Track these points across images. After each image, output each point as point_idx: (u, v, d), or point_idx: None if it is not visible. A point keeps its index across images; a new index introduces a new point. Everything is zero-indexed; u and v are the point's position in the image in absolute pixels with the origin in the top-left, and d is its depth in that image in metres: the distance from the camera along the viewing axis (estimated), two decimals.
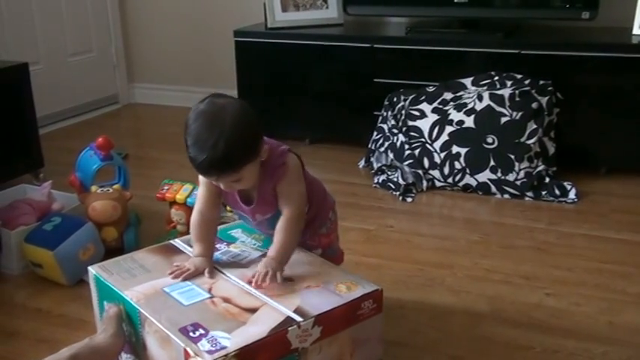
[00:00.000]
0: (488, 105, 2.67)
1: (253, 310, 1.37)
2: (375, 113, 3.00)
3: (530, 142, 2.63)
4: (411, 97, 2.84)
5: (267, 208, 1.56)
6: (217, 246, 1.63)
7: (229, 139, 1.35)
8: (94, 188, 2.24)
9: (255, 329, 1.30)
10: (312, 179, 1.67)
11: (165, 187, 2.28)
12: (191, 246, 1.62)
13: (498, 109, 2.66)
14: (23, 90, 2.74)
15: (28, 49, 3.44)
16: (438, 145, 2.71)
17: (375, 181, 2.81)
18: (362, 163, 3.02)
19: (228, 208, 2.01)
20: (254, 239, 1.69)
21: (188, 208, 2.15)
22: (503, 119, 2.65)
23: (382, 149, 2.86)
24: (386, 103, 2.93)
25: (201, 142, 1.36)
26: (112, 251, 2.07)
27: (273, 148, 1.51)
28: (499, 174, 2.64)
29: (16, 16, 3.40)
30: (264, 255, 1.58)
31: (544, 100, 2.68)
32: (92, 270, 1.57)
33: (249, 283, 1.46)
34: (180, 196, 2.22)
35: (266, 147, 1.47)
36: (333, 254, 1.73)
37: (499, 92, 2.69)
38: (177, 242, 1.69)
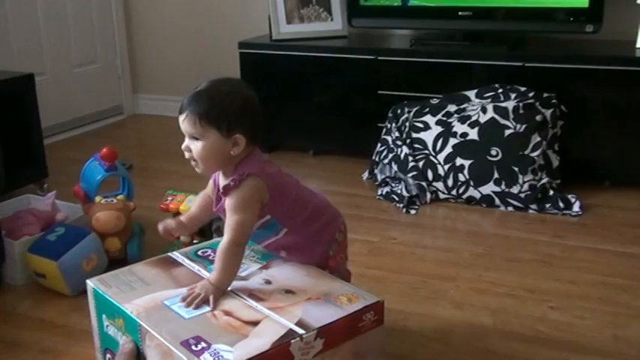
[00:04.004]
0: (492, 117, 2.67)
1: (255, 323, 1.36)
2: (379, 125, 3.01)
3: (534, 154, 2.63)
4: (415, 109, 2.84)
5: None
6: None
7: (216, 94, 1.47)
8: (98, 199, 2.24)
9: (258, 342, 1.30)
10: (307, 199, 1.63)
11: (169, 198, 2.27)
12: (190, 259, 1.65)
13: (502, 121, 2.66)
14: (29, 100, 2.75)
15: (34, 60, 3.46)
16: (441, 157, 2.71)
17: (379, 192, 2.81)
18: (366, 175, 3.02)
19: None
20: (253, 251, 1.68)
21: None
22: (507, 132, 2.65)
23: (386, 161, 2.86)
24: (390, 115, 2.93)
25: (200, 85, 1.50)
26: (116, 262, 2.07)
27: (246, 164, 1.50)
28: (503, 186, 2.63)
29: (22, 28, 3.42)
30: (264, 267, 1.58)
31: (548, 112, 2.68)
32: (91, 283, 1.56)
33: (250, 295, 1.46)
34: (184, 207, 2.21)
35: (240, 140, 1.47)
36: (340, 275, 1.67)
37: (503, 105, 2.69)
38: (175, 255, 1.69)
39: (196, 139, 1.47)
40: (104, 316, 1.52)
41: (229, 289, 1.50)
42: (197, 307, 1.42)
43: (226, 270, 1.49)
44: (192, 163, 1.51)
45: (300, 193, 1.62)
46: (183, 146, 1.51)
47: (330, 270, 1.65)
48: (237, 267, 1.52)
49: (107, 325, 1.51)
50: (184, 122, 1.48)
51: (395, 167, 2.80)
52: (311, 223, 1.62)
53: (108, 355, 1.54)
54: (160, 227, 1.65)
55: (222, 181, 1.55)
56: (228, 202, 1.50)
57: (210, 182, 1.64)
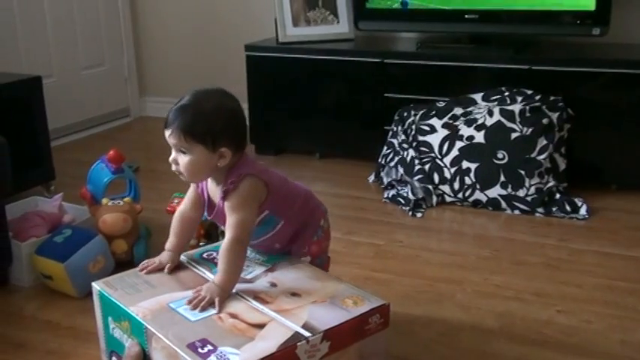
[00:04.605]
0: (499, 120, 2.67)
1: (261, 326, 1.37)
2: (385, 128, 3.00)
3: (540, 157, 2.62)
4: (421, 112, 2.84)
5: (224, 221, 1.57)
6: None
7: (200, 112, 1.48)
8: (104, 201, 2.25)
9: (264, 345, 1.30)
10: (296, 190, 1.69)
11: (176, 201, 2.28)
12: (195, 261, 1.65)
13: (509, 124, 2.65)
14: (36, 103, 2.75)
15: (42, 63, 3.47)
16: (448, 160, 2.71)
17: (385, 195, 2.81)
18: (372, 178, 3.01)
19: None
20: (258, 254, 1.68)
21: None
22: (514, 135, 2.64)
23: (392, 164, 2.86)
24: (396, 117, 2.93)
25: (184, 98, 1.52)
26: (122, 264, 2.08)
27: (239, 166, 1.54)
28: (509, 190, 2.63)
29: (30, 31, 3.43)
30: (269, 270, 1.58)
31: (555, 115, 2.67)
32: (96, 286, 1.56)
33: (255, 298, 1.46)
34: None
35: (226, 153, 1.50)
36: (321, 263, 1.73)
37: (509, 108, 2.69)
38: (181, 257, 1.68)
39: (183, 152, 1.50)
40: (110, 318, 1.52)
41: (235, 291, 1.50)
42: (203, 309, 1.43)
43: (230, 270, 1.50)
44: (179, 175, 1.54)
45: (290, 186, 1.67)
46: (170, 159, 1.54)
47: (311, 257, 1.69)
48: (241, 267, 1.53)
49: (113, 328, 1.52)
50: (170, 137, 1.51)
51: (401, 170, 2.80)
52: (302, 212, 1.68)
53: (114, 358, 1.54)
54: (145, 265, 1.63)
55: (213, 187, 1.60)
56: (227, 204, 1.52)
57: (191, 195, 1.67)
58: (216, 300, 1.45)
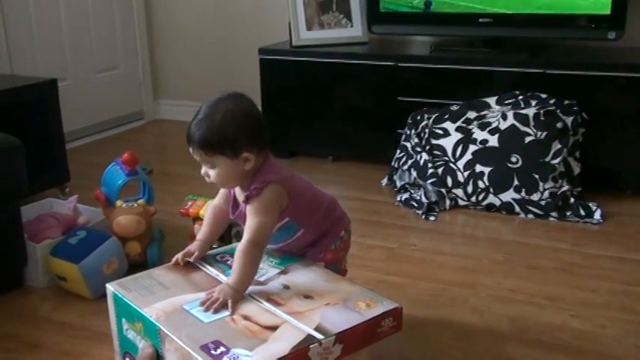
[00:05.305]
0: (513, 124, 2.66)
1: (274, 328, 1.37)
2: (399, 131, 3.00)
3: (554, 162, 2.61)
4: (434, 116, 2.83)
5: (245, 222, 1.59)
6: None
7: (212, 123, 1.50)
8: (118, 203, 2.26)
9: (277, 347, 1.30)
10: (320, 198, 1.70)
11: (189, 203, 2.29)
12: (209, 264, 1.66)
13: (523, 128, 2.64)
14: (51, 105, 2.78)
15: (57, 66, 3.49)
16: (461, 163, 2.70)
17: (398, 199, 2.80)
18: (385, 181, 3.01)
19: None
20: (271, 256, 1.69)
21: None
22: (528, 139, 2.63)
23: (405, 167, 2.86)
24: (409, 121, 2.93)
25: (197, 115, 1.54)
26: (136, 266, 2.09)
27: (264, 173, 1.56)
28: (523, 194, 2.62)
29: (45, 34, 3.46)
30: (282, 272, 1.59)
31: (569, 119, 2.66)
32: (110, 287, 1.57)
33: (268, 300, 1.47)
34: (203, 212, 2.22)
35: (249, 157, 1.52)
36: (334, 270, 1.71)
37: (523, 112, 2.68)
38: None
39: (210, 166, 1.55)
40: (124, 319, 1.53)
41: (248, 292, 1.50)
42: (216, 311, 1.43)
43: (244, 272, 1.51)
44: (215, 184, 1.60)
45: (314, 194, 1.69)
46: (202, 173, 1.59)
47: (325, 263, 1.70)
48: (255, 270, 1.54)
49: (127, 329, 1.52)
50: (194, 154, 1.56)
51: (414, 173, 2.79)
52: (324, 221, 1.69)
53: (127, 359, 1.55)
54: (179, 256, 1.66)
55: (239, 191, 1.62)
56: (249, 208, 1.55)
57: (222, 191, 1.71)
58: (229, 301, 1.45)
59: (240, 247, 1.53)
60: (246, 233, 1.54)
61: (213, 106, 1.54)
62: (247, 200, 1.55)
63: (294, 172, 1.66)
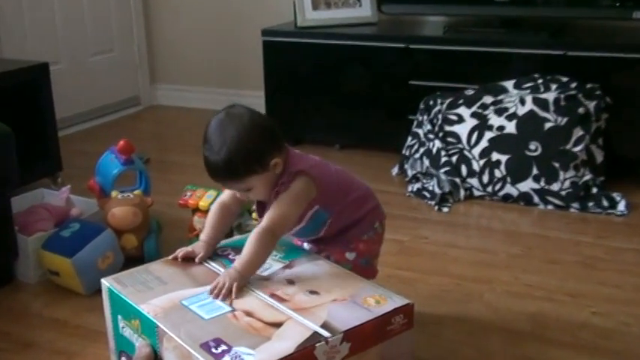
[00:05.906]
0: (532, 110, 2.65)
1: (278, 325, 1.37)
2: (410, 117, 3.00)
3: (576, 149, 2.60)
4: (448, 101, 2.83)
5: None
6: (237, 257, 1.63)
7: (231, 150, 1.50)
8: (114, 193, 2.26)
9: (281, 345, 1.30)
10: (352, 185, 1.75)
11: (188, 193, 2.29)
12: (210, 257, 1.66)
13: (542, 114, 2.64)
14: (43, 91, 2.78)
15: (49, 49, 3.50)
16: (476, 151, 2.70)
17: (409, 189, 2.80)
18: (395, 170, 3.01)
19: (254, 215, 2.04)
20: (275, 250, 1.69)
21: None
22: (548, 125, 2.62)
23: (417, 156, 2.85)
24: (422, 106, 2.92)
25: (209, 149, 1.53)
26: (132, 260, 2.09)
27: (291, 165, 1.59)
28: (542, 183, 2.61)
29: (36, 15, 3.46)
30: (287, 266, 1.59)
31: (591, 104, 2.65)
32: (105, 282, 1.57)
33: (272, 296, 1.47)
34: (203, 203, 2.23)
35: (277, 161, 1.56)
36: (366, 264, 1.74)
37: (543, 96, 2.67)
38: None
39: (246, 189, 1.58)
40: (120, 316, 1.53)
41: (250, 288, 1.50)
42: (224, 297, 1.45)
43: (253, 258, 1.53)
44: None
45: (344, 179, 1.73)
46: (239, 195, 1.64)
47: (357, 254, 1.72)
48: (265, 258, 1.56)
49: (123, 327, 1.53)
50: (224, 186, 1.63)
51: (426, 162, 2.79)
52: (354, 207, 1.71)
53: (123, 358, 1.55)
54: (179, 255, 1.65)
55: None
56: (277, 199, 1.57)
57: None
58: (234, 285, 1.47)
59: (255, 232, 1.54)
60: (265, 220, 1.55)
61: (219, 131, 1.53)
62: (276, 195, 1.57)
63: (321, 159, 1.71)
